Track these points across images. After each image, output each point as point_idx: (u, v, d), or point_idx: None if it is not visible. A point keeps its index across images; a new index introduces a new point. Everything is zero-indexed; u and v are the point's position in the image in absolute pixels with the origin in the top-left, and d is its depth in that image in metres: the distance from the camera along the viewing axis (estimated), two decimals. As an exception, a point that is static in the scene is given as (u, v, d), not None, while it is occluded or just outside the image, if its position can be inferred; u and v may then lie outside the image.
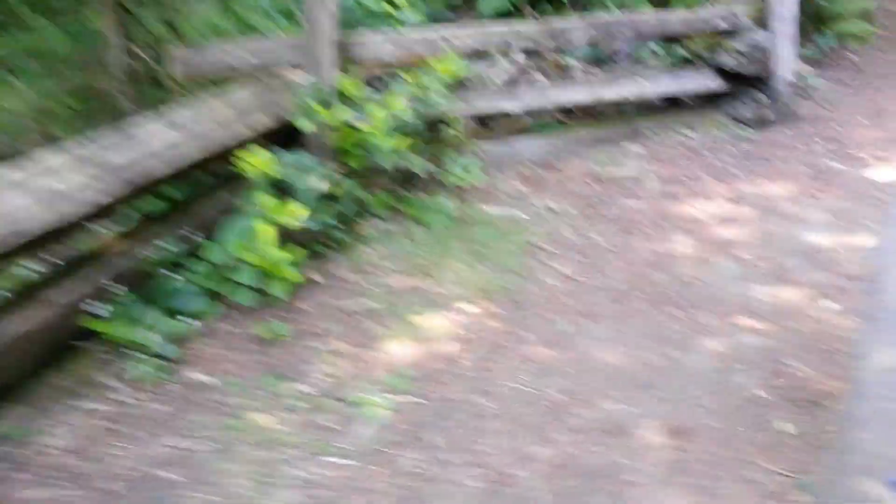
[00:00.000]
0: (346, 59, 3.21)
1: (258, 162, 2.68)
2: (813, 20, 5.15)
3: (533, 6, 5.41)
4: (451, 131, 3.22)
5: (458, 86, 3.74)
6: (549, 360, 2.28)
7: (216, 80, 3.29)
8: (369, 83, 3.42)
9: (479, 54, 3.67)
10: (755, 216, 3.10)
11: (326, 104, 3.01)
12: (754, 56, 3.79)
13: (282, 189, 2.74)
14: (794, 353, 2.25)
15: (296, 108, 2.96)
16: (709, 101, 4.14)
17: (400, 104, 3.00)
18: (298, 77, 3.08)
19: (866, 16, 5.63)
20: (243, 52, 3.07)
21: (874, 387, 2.04)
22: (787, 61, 3.90)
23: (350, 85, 3.01)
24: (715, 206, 3.22)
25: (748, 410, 2.03)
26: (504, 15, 5.40)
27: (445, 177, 3.12)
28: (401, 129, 3.05)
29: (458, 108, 3.47)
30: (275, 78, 3.13)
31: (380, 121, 2.95)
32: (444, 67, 3.18)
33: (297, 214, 2.59)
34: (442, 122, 3.27)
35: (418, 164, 3.02)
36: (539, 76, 4.20)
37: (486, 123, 3.95)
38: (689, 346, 2.32)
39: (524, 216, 3.20)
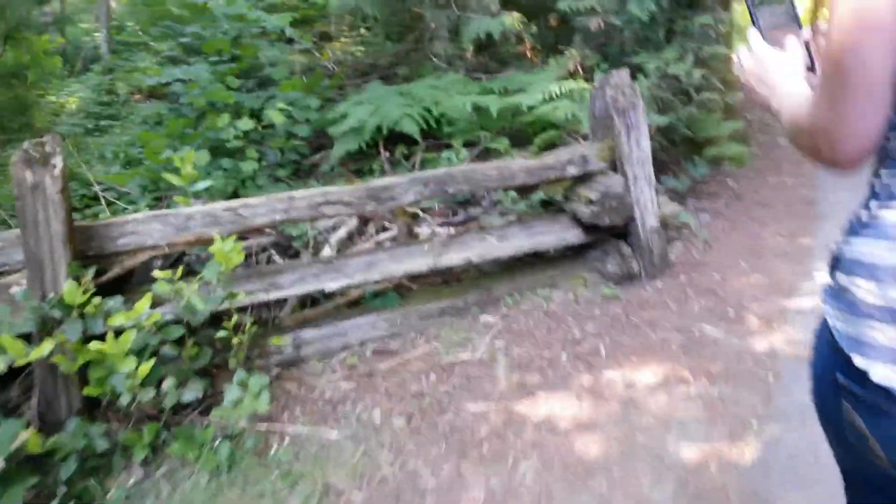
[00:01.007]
0: (91, 251, 2.54)
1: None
2: (684, 149, 4.85)
3: (387, 146, 4.98)
4: (231, 337, 2.52)
5: (256, 268, 3.11)
6: None
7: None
8: (125, 279, 2.74)
9: (286, 223, 3.07)
10: (618, 416, 2.48)
11: (49, 322, 2.31)
12: (608, 204, 3.29)
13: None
14: None
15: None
16: (575, 252, 3.63)
17: (148, 309, 2.32)
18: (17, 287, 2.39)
19: (740, 136, 5.41)
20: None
21: None
22: (648, 205, 3.45)
23: (78, 292, 2.31)
24: (573, 402, 2.59)
25: None
26: (358, 155, 4.95)
27: (220, 408, 2.39)
28: (154, 342, 2.36)
29: (255, 298, 2.81)
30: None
31: (122, 336, 2.25)
32: (222, 252, 2.53)
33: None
34: (220, 324, 2.59)
35: (171, 391, 2.29)
36: (371, 241, 3.63)
37: (308, 301, 3.31)
38: None
39: (334, 437, 2.49)
